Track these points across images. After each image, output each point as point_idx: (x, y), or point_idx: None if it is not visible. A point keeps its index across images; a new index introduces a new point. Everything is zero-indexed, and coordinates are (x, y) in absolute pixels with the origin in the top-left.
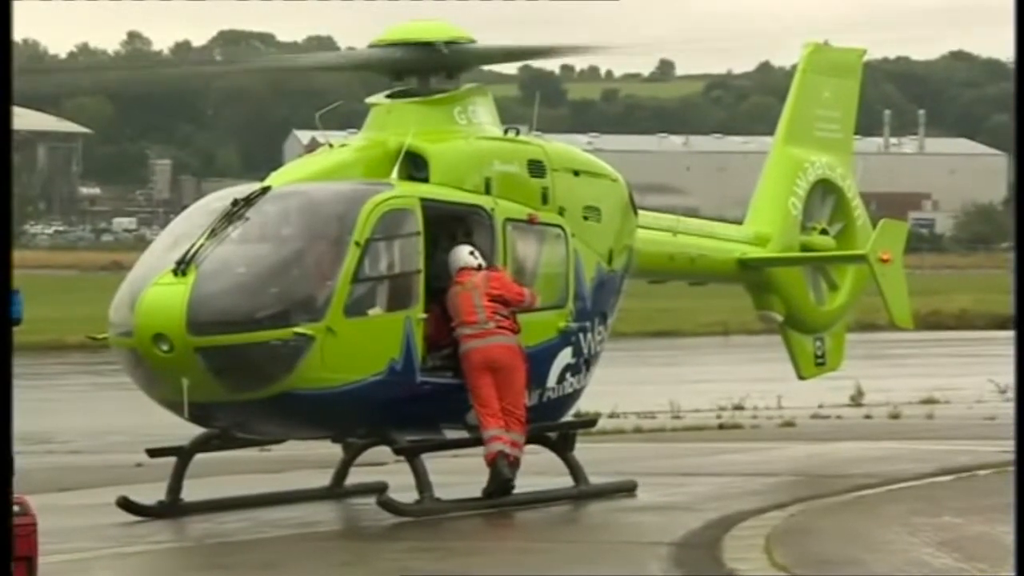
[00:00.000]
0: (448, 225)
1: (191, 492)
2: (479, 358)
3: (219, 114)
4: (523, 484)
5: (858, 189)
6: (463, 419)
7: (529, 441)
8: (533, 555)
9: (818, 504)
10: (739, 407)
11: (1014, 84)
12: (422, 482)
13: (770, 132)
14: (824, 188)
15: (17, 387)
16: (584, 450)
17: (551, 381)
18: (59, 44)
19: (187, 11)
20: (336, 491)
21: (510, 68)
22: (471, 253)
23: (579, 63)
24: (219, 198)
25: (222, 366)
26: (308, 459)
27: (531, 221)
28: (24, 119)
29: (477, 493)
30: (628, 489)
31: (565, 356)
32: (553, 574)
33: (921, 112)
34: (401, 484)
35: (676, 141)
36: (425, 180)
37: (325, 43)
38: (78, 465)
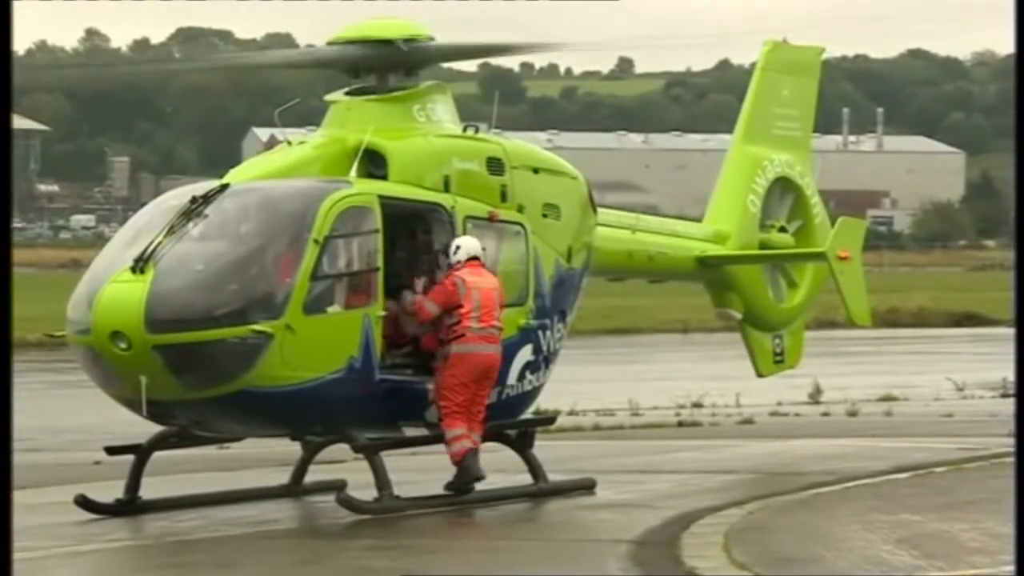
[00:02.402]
0: (407, 223)
1: (149, 490)
2: (482, 363)
3: (178, 111)
4: (482, 482)
5: (817, 187)
6: (422, 417)
7: (488, 439)
8: (492, 553)
9: (776, 502)
10: (698, 405)
11: (1014, 83)
12: (381, 480)
13: (729, 130)
14: (783, 186)
15: None
16: (543, 448)
17: (511, 379)
18: (17, 41)
19: (145, 8)
20: (295, 489)
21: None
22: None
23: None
24: (177, 195)
25: (180, 364)
26: (266, 457)
27: (491, 219)
28: None
29: (437, 491)
30: (587, 487)
31: (525, 354)
32: (512, 572)
33: (879, 110)
34: (360, 482)
35: (635, 139)
36: (384, 178)
37: (284, 40)
38: (35, 463)
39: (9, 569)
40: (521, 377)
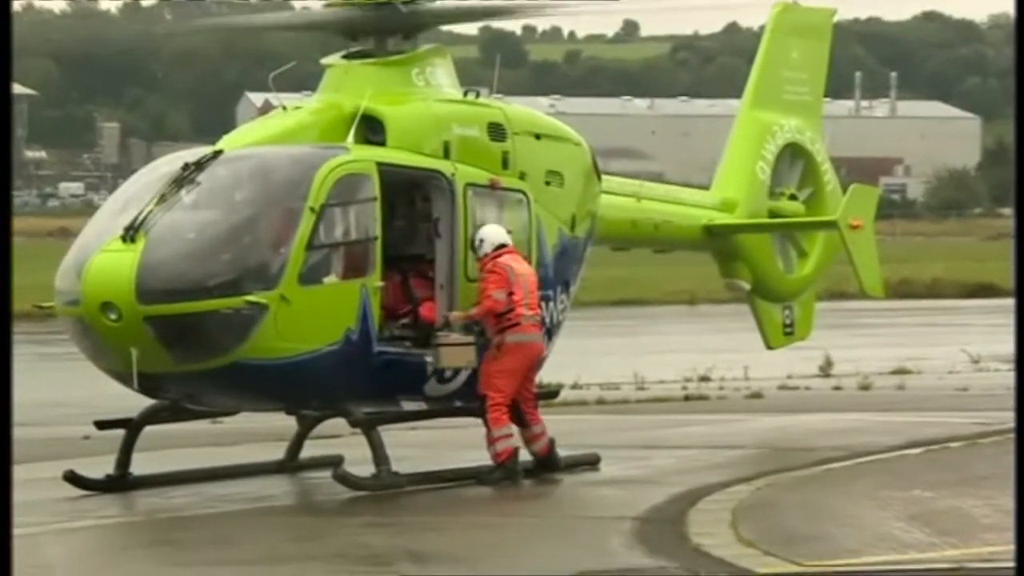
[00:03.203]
0: (406, 190)
1: (140, 466)
2: (535, 352)
3: (169, 76)
4: (482, 458)
5: (828, 153)
6: (421, 390)
7: None
8: (493, 530)
9: (785, 477)
10: (705, 378)
11: (1014, 83)
12: (379, 455)
13: (737, 95)
14: (793, 152)
15: None
16: (546, 422)
17: None
18: None
19: None
20: (290, 465)
21: (470, 29)
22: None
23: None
24: (169, 162)
25: (172, 336)
26: (261, 432)
27: (492, 186)
28: None
29: (436, 466)
30: (591, 462)
31: None
32: (514, 550)
33: (893, 74)
34: (357, 457)
35: (641, 104)
36: (382, 144)
37: (279, 2)
38: (24, 438)
39: (9, 567)
40: None
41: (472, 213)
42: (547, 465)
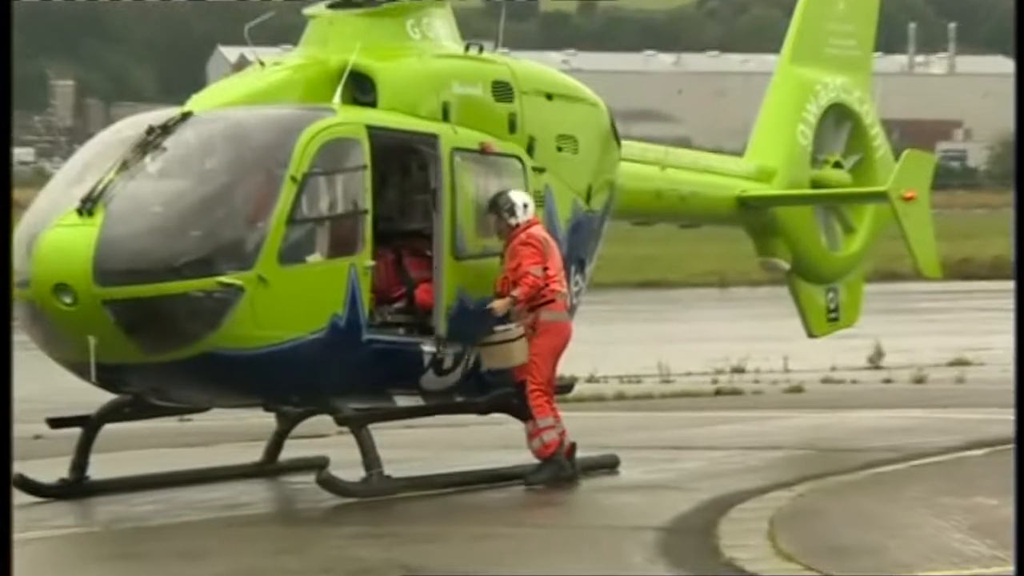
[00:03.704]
0: (400, 158)
1: (99, 469)
2: (568, 333)
3: (132, 28)
4: (487, 460)
5: (878, 116)
6: (417, 384)
7: (493, 409)
8: (497, 542)
9: (830, 482)
10: (738, 370)
11: (1014, 82)
12: (369, 457)
13: (775, 50)
14: (838, 114)
15: None
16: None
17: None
18: None
19: None
20: (269, 467)
21: None
22: None
23: None
24: (131, 125)
25: (135, 322)
26: (236, 431)
27: (484, 151)
28: None
29: (434, 470)
30: (609, 465)
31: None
32: (520, 564)
33: (951, 26)
34: (345, 460)
35: (665, 60)
36: (372, 105)
37: None
38: None
39: (9, 566)
40: None
41: (460, 182)
42: (542, 468)
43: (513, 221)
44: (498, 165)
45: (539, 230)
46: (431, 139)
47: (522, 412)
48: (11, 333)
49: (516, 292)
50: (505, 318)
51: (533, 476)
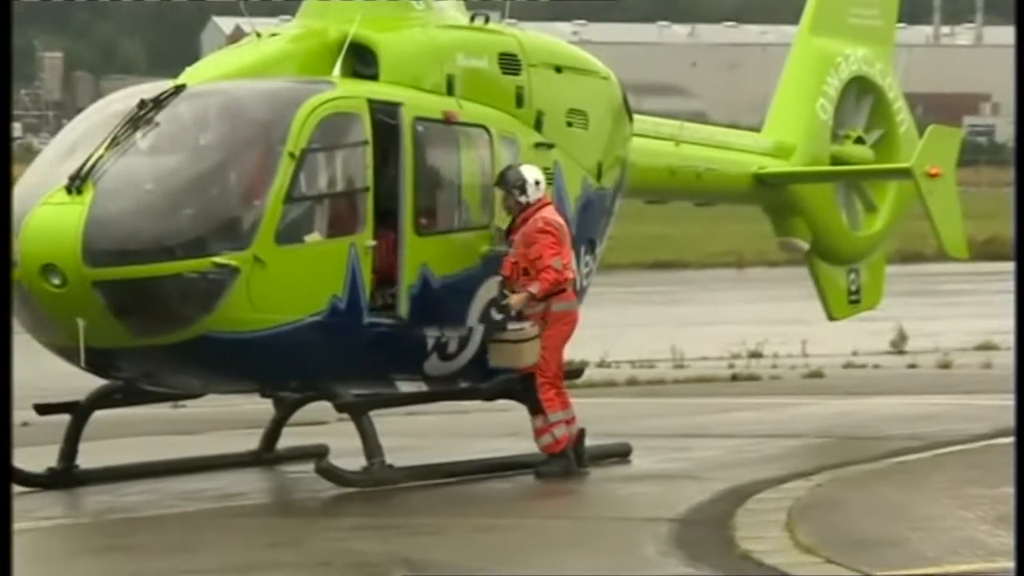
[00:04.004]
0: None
1: (88, 458)
2: (576, 322)
3: None
4: (492, 448)
5: (901, 89)
6: (420, 369)
7: (499, 395)
8: (503, 534)
9: (851, 472)
10: (756, 354)
11: (1014, 82)
12: (370, 446)
13: (794, 20)
14: (860, 88)
15: None
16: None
17: (471, 319)
18: None
19: None
20: (266, 456)
21: None
22: None
23: None
24: (122, 99)
25: (126, 304)
26: (231, 418)
27: (448, 120)
28: None
29: (436, 459)
30: (621, 454)
31: (490, 288)
32: (527, 557)
33: None
34: (345, 448)
35: (679, 31)
36: (374, 78)
37: None
38: None
39: (9, 568)
40: (485, 318)
41: (421, 153)
42: (550, 462)
43: (524, 200)
44: (464, 135)
45: (554, 214)
46: (393, 108)
47: (528, 399)
48: (11, 327)
49: (535, 289)
50: (515, 315)
51: (544, 469)
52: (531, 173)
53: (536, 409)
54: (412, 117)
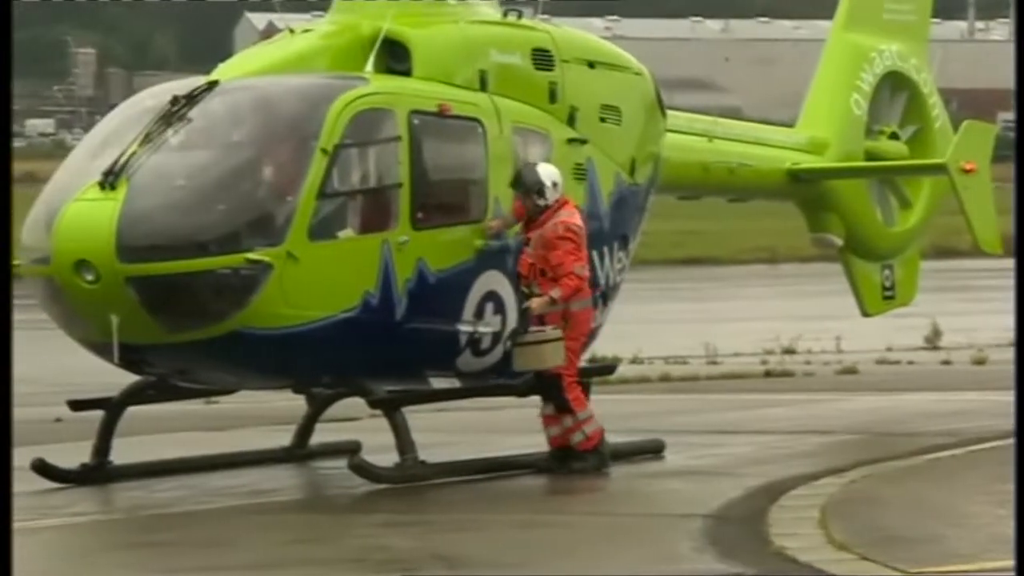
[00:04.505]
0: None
1: (121, 453)
2: (592, 318)
3: None
4: (525, 445)
5: (936, 84)
6: (453, 365)
7: (532, 392)
8: (537, 530)
9: (885, 468)
10: (789, 350)
11: (1015, 82)
12: (403, 441)
13: (827, 15)
14: (894, 83)
15: None
16: (600, 403)
17: (467, 313)
18: None
19: None
20: (298, 452)
21: None
22: None
23: None
24: (155, 95)
25: (159, 300)
26: (264, 414)
27: (443, 113)
28: None
29: (469, 455)
30: (654, 450)
31: (485, 283)
32: (561, 553)
33: None
34: (377, 444)
35: (713, 26)
36: (407, 73)
37: None
38: None
39: (9, 568)
40: (480, 312)
41: (418, 147)
42: (579, 457)
43: (542, 203)
44: (457, 128)
45: (574, 215)
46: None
47: (554, 400)
48: (11, 327)
49: (556, 294)
50: (531, 317)
51: (579, 464)
52: (548, 175)
53: (564, 408)
54: (408, 111)
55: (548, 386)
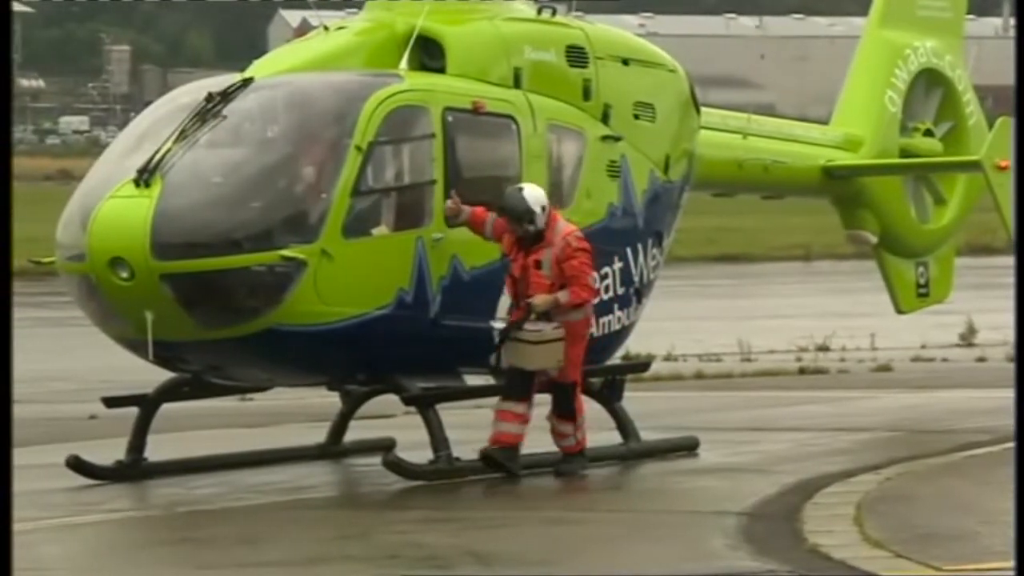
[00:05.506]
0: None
1: (156, 450)
2: (590, 322)
3: None
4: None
5: (971, 81)
6: (486, 362)
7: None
8: (571, 528)
9: (919, 466)
10: (823, 348)
11: (1015, 82)
12: (437, 439)
13: (862, 12)
14: (929, 80)
15: None
16: (634, 400)
17: (501, 310)
18: None
19: None
20: (332, 449)
21: None
22: None
23: None
24: (189, 92)
25: (194, 297)
26: (298, 411)
27: (476, 110)
28: None
29: None
30: (688, 447)
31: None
32: (595, 551)
33: None
34: (411, 441)
35: (747, 23)
36: (441, 71)
37: None
38: (19, 417)
39: (9, 568)
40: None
41: (452, 146)
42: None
43: (533, 228)
44: (491, 125)
45: (575, 228)
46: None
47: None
48: (11, 327)
49: (564, 297)
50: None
51: (565, 467)
52: (535, 199)
53: (568, 415)
54: (442, 108)
55: (563, 391)
